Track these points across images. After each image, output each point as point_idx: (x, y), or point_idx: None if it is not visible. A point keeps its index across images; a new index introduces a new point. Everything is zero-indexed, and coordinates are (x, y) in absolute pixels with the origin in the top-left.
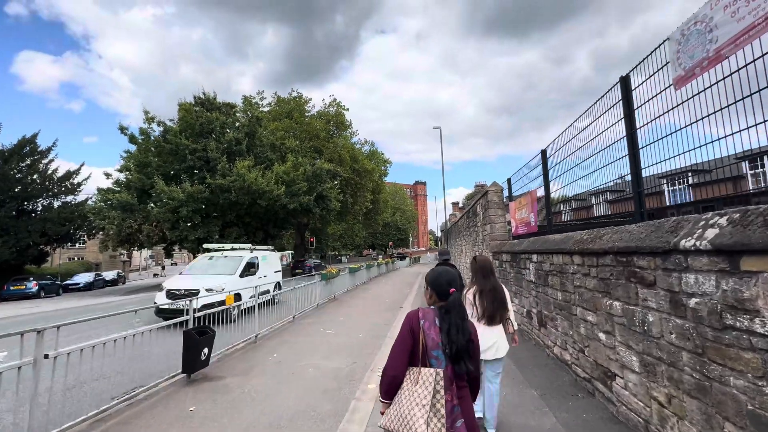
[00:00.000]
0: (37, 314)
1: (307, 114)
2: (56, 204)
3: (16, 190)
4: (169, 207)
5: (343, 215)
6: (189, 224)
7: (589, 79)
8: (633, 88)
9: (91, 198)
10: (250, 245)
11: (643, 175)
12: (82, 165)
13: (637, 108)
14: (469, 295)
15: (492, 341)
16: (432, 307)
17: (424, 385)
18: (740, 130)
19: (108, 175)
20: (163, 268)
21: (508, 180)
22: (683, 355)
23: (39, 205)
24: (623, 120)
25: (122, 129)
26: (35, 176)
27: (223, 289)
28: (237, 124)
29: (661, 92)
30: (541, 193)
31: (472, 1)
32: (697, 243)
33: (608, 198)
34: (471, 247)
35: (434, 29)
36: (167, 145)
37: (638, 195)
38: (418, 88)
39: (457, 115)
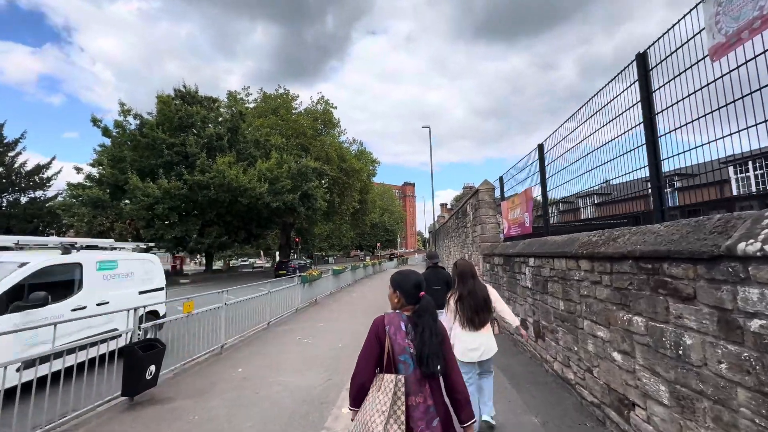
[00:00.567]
0: None
1: (294, 111)
2: (23, 200)
3: None
4: (143, 204)
5: (330, 215)
6: (166, 222)
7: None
8: (651, 67)
9: (61, 194)
10: (71, 241)
11: (664, 168)
12: (53, 159)
13: (656, 90)
14: (451, 301)
15: (477, 344)
16: (397, 311)
17: (384, 391)
18: None
19: (79, 170)
20: None
21: (500, 178)
22: (739, 393)
23: (4, 200)
24: (640, 104)
25: (95, 121)
26: (0, 169)
27: None
28: (220, 119)
29: (690, 67)
30: (537, 192)
31: (461, 6)
32: (767, 248)
33: (617, 196)
34: (460, 249)
35: (424, 32)
36: (143, 139)
37: (657, 190)
38: (407, 89)
39: (445, 117)
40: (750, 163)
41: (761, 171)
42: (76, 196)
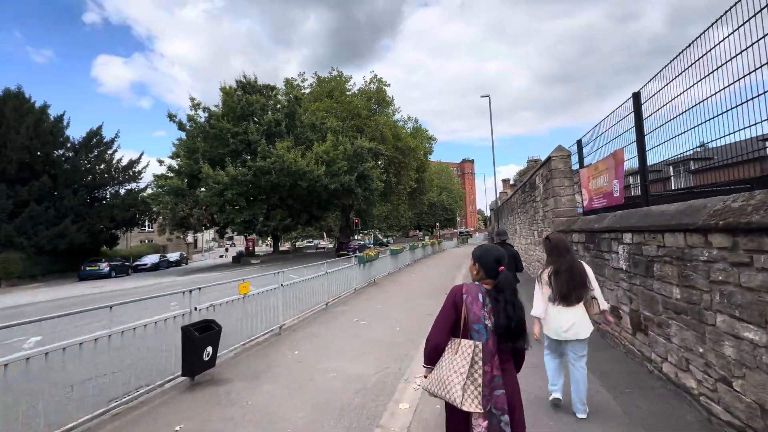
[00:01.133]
0: (91, 295)
1: (348, 93)
2: (122, 191)
3: (88, 179)
4: (215, 191)
5: (387, 195)
6: (236, 207)
7: (660, 36)
8: None
9: (150, 185)
10: None
11: None
12: (141, 154)
13: None
14: (544, 276)
15: (570, 322)
16: (476, 282)
17: (462, 355)
18: None
19: (161, 162)
20: (227, 249)
21: (578, 142)
22: None
23: (107, 192)
24: None
25: (171, 116)
26: (102, 166)
27: None
28: (278, 106)
29: None
30: (630, 153)
31: None
32: None
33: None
34: (528, 226)
35: None
36: (212, 130)
37: None
38: (462, 62)
39: (504, 87)
40: None
41: None
42: (161, 186)
